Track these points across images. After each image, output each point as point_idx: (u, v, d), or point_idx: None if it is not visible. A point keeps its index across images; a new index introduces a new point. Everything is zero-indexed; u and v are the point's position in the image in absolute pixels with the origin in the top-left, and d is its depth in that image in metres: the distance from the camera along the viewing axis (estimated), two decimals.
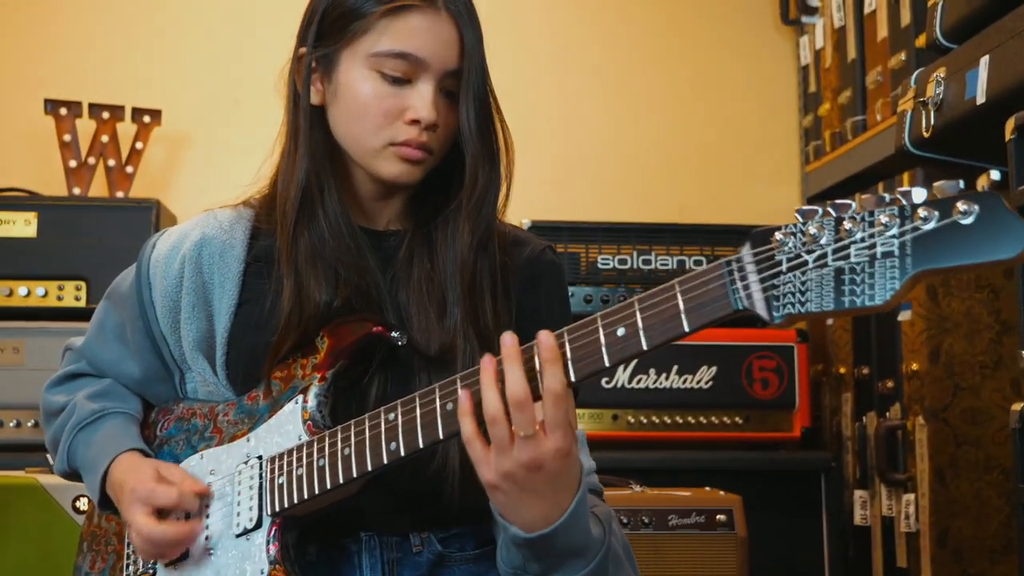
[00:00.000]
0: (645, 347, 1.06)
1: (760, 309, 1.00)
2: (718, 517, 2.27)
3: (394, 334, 1.33)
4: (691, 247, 2.85)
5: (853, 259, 0.95)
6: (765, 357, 2.78)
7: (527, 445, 1.10)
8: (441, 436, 1.17)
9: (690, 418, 2.78)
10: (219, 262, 1.43)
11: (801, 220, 0.99)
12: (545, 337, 1.10)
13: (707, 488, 2.45)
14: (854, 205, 0.97)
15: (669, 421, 2.77)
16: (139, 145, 3.08)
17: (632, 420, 2.77)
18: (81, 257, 2.77)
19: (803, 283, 0.97)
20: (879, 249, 0.94)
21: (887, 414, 2.58)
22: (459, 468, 1.32)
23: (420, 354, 1.35)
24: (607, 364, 1.08)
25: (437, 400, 1.18)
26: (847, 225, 0.96)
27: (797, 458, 2.74)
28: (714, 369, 2.78)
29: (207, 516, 1.36)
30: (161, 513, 1.34)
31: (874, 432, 2.62)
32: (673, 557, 2.27)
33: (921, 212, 0.92)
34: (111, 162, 3.04)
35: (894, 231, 0.93)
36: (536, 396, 1.11)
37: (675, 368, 2.78)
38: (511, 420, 1.10)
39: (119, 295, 1.52)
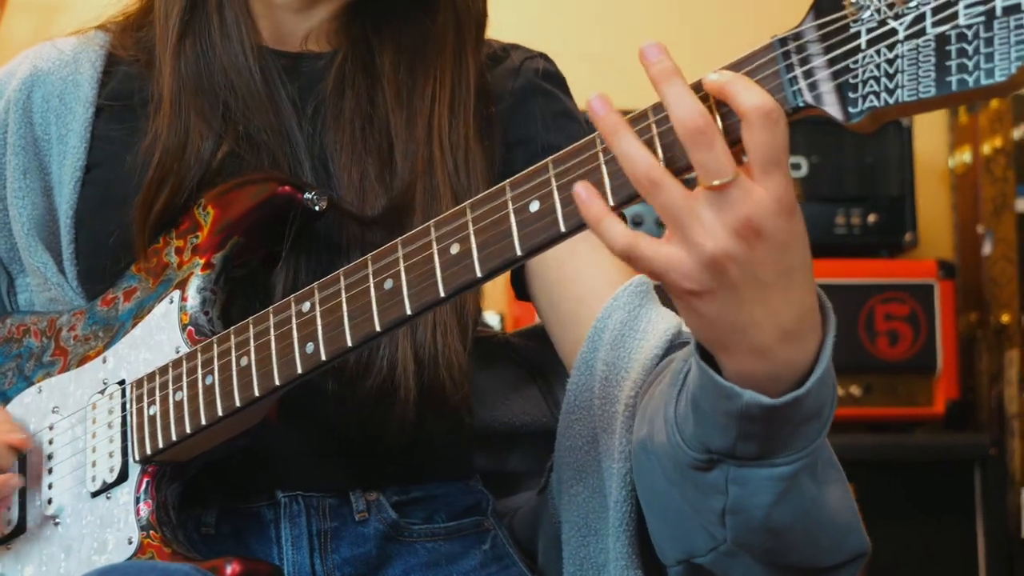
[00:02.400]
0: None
1: (829, 104, 0.96)
2: None
3: (308, 196, 1.29)
4: None
5: (962, 20, 0.91)
6: (894, 300, 2.75)
7: (729, 200, 0.95)
8: (378, 328, 1.13)
9: None
10: (58, 107, 1.42)
11: None
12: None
13: None
14: None
15: None
16: None
17: None
18: None
19: (890, 62, 0.94)
20: (999, 3, 0.90)
21: None
22: (414, 381, 1.29)
23: (354, 222, 1.33)
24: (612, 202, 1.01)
25: (371, 277, 1.14)
26: None
27: (940, 443, 2.73)
28: None
29: (49, 472, 1.34)
30: None
31: None
32: None
33: None
34: None
35: None
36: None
37: None
38: (694, 167, 0.96)
39: None
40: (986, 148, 2.97)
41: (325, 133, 1.37)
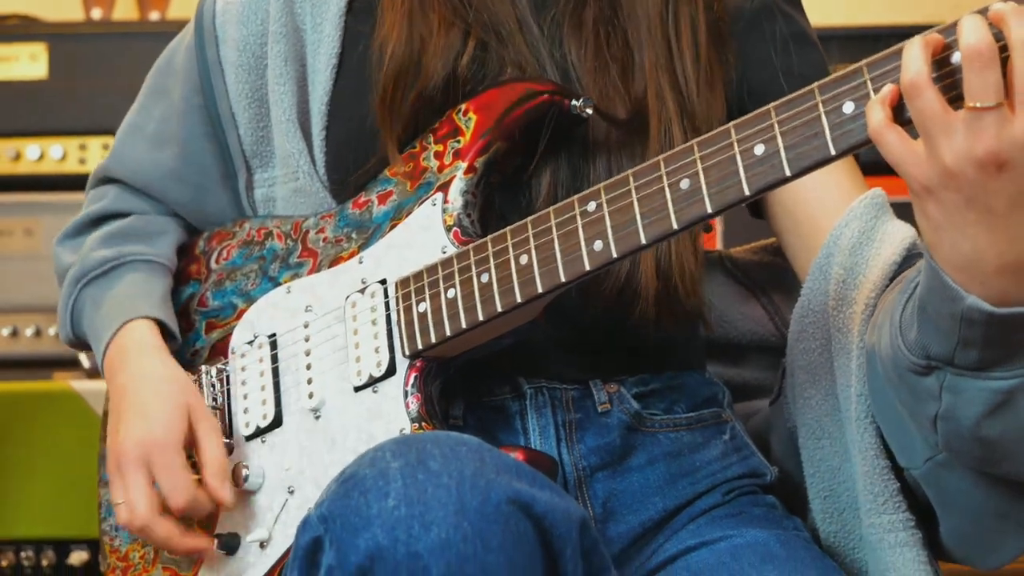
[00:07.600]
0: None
1: None
2: None
3: (576, 103, 1.33)
4: None
5: None
6: None
7: (982, 125, 1.00)
8: (676, 227, 1.17)
9: None
10: None
11: None
12: None
13: None
14: None
15: None
16: None
17: None
18: (107, 104, 2.64)
19: None
20: None
21: None
22: (652, 285, 1.32)
23: (605, 122, 1.35)
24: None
25: (665, 179, 1.17)
26: None
27: None
28: None
29: (307, 367, 1.37)
30: None
31: None
32: None
33: None
34: None
35: None
36: None
37: None
38: (963, 85, 1.01)
39: (167, 70, 1.56)
40: None
41: (566, 39, 1.39)
